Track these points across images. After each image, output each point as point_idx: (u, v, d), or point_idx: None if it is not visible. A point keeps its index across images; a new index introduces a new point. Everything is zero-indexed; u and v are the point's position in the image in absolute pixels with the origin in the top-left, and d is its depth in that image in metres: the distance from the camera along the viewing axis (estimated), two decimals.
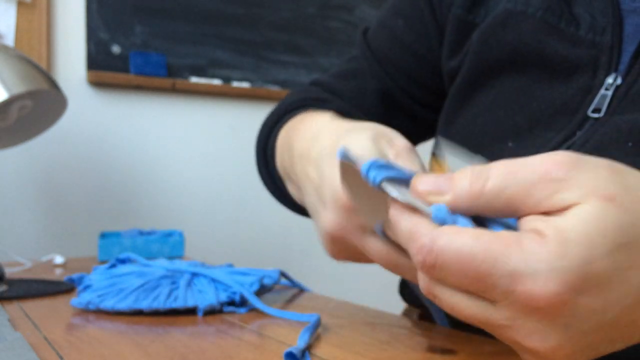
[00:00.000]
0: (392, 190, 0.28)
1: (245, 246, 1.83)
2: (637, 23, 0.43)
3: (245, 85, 1.82)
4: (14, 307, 0.55)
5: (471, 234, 0.25)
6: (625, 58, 0.43)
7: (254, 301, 0.53)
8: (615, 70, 0.43)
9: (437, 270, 0.26)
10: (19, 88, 0.82)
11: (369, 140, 0.36)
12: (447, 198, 0.27)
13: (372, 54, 0.60)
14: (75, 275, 0.58)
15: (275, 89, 1.87)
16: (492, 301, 0.26)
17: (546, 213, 0.25)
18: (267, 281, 0.60)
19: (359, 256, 0.38)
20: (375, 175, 0.29)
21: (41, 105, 0.92)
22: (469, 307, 0.27)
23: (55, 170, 1.59)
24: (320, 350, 0.40)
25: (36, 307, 0.55)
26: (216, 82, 1.77)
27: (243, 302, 0.55)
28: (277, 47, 1.88)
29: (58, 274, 0.80)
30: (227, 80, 1.80)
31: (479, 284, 0.25)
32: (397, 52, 0.58)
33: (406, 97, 0.59)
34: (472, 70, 0.51)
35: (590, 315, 0.25)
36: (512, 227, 0.27)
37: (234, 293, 0.55)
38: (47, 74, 0.90)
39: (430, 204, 0.28)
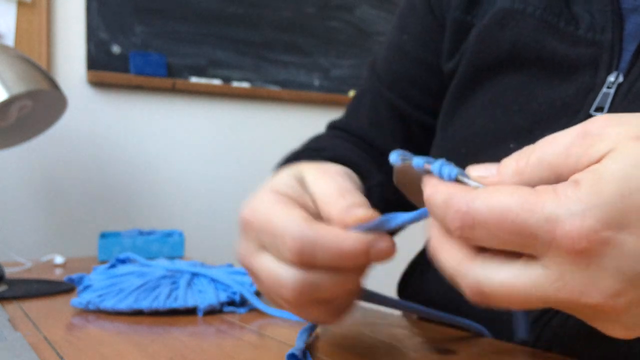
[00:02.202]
0: (470, 182, 0.29)
1: None
2: (638, 21, 0.43)
3: (245, 85, 1.82)
4: (14, 307, 0.55)
5: (506, 190, 0.25)
6: (627, 56, 0.43)
7: (254, 301, 0.53)
8: (617, 69, 0.43)
9: (476, 231, 0.26)
10: (19, 88, 0.82)
11: (290, 178, 0.36)
12: (496, 179, 0.28)
13: (378, 79, 0.60)
14: (75, 275, 0.58)
15: (275, 89, 1.87)
16: (537, 258, 0.25)
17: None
18: None
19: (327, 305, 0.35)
20: (450, 172, 0.29)
21: (41, 105, 0.92)
22: (519, 277, 0.26)
23: (55, 170, 1.59)
24: (320, 350, 0.40)
25: (36, 307, 0.55)
26: (216, 82, 1.77)
27: (243, 302, 0.55)
28: (277, 47, 1.88)
29: (58, 274, 0.80)
30: (227, 80, 1.80)
31: (519, 237, 0.25)
32: (408, 67, 0.59)
33: (422, 113, 0.59)
34: (469, 69, 0.51)
35: None
36: None
37: (234, 293, 0.55)
38: (47, 74, 0.90)
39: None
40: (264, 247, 0.34)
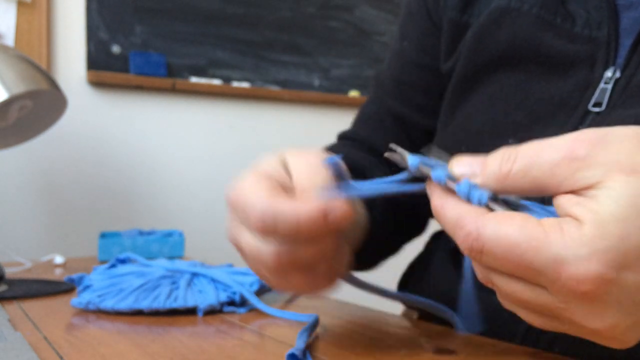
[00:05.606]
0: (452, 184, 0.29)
1: None
2: (633, 17, 0.43)
3: (245, 85, 1.82)
4: (14, 307, 0.55)
5: (516, 222, 0.26)
6: (623, 52, 0.43)
7: (254, 301, 0.54)
8: (613, 64, 0.43)
9: (484, 257, 0.27)
10: (19, 88, 0.82)
11: (273, 160, 0.38)
12: (479, 180, 0.29)
13: (381, 88, 0.61)
14: (75, 275, 0.58)
15: (275, 88, 1.87)
16: (542, 287, 0.27)
17: (573, 192, 0.26)
18: None
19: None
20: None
21: (41, 105, 0.92)
22: (524, 292, 0.27)
23: (55, 171, 1.59)
24: (320, 350, 0.40)
25: (36, 307, 0.55)
26: (216, 82, 1.77)
27: (243, 302, 0.55)
28: (277, 47, 1.88)
29: (58, 274, 0.80)
30: (227, 80, 1.80)
31: (526, 272, 0.26)
32: (409, 72, 0.59)
33: (425, 116, 0.59)
34: (467, 68, 0.51)
35: None
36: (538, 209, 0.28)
37: (234, 293, 0.55)
38: (47, 74, 0.90)
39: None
40: (243, 223, 0.36)
